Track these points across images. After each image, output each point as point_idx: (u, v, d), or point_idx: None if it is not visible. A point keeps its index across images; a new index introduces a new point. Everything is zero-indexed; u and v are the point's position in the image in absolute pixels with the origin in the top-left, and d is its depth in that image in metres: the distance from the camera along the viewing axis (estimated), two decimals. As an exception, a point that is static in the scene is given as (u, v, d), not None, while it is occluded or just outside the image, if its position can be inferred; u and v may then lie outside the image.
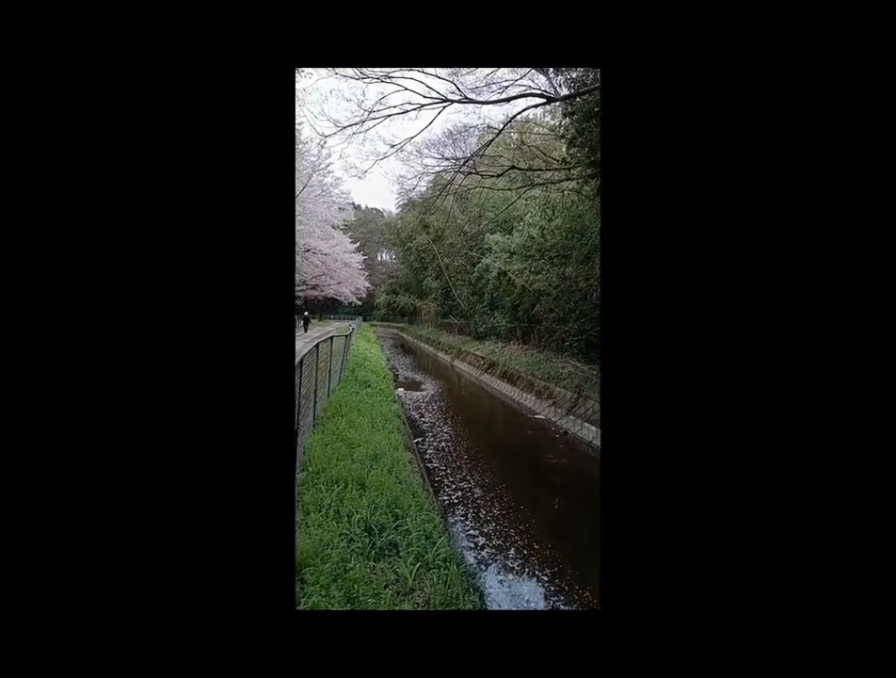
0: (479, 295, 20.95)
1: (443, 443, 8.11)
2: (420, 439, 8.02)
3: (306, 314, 28.73)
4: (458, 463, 7.08)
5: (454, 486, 6.12)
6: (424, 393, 13.05)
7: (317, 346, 4.97)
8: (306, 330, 25.26)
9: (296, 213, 15.82)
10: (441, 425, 9.48)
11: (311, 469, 4.37)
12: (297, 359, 3.84)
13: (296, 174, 15.52)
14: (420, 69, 8.65)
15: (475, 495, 5.86)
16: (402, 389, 12.79)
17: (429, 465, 6.88)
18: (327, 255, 24.06)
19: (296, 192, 15.17)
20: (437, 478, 6.34)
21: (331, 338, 6.72)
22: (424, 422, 9.65)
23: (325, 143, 15.76)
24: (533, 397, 11.68)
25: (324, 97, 45.73)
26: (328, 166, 18.16)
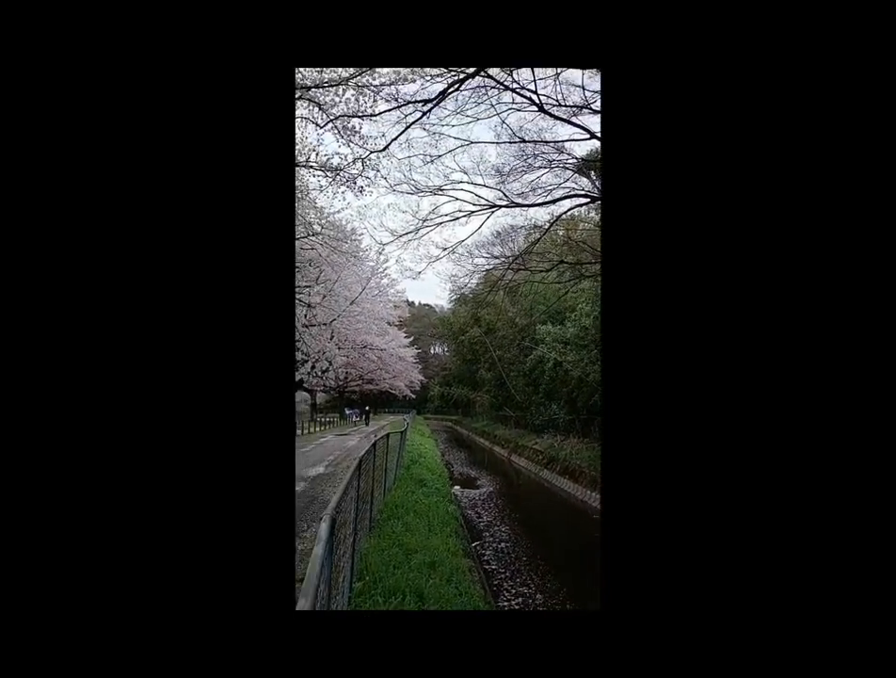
0: (534, 386, 20.63)
1: (502, 544, 7.69)
2: (478, 543, 7.60)
3: (367, 408, 29.34)
4: (518, 566, 6.67)
5: (513, 590, 5.75)
6: (481, 490, 12.56)
7: (374, 444, 4.99)
8: (367, 424, 25.65)
9: (355, 313, 16.72)
10: (499, 524, 9.02)
11: (367, 578, 4.20)
12: (356, 461, 3.85)
13: (356, 278, 16.64)
14: (469, 180, 9.36)
15: (536, 601, 5.45)
16: (458, 487, 12.38)
17: (487, 567, 6.49)
18: (383, 350, 24.87)
19: (356, 294, 16.15)
20: (496, 582, 5.98)
21: (388, 435, 6.73)
22: (482, 521, 9.19)
23: (383, 250, 17.02)
24: (597, 495, 10.94)
25: (382, 211, 50.35)
26: (385, 269, 19.43)
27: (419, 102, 6.43)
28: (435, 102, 6.27)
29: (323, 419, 24.73)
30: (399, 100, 6.53)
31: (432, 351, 56.14)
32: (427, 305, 60.47)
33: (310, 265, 13.06)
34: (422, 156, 8.21)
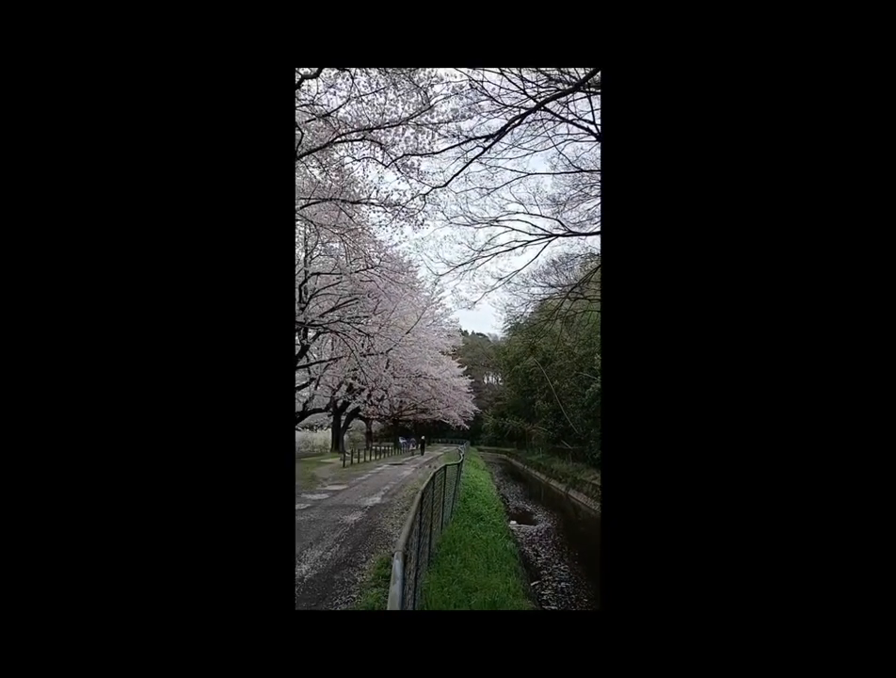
0: (593, 418, 19.94)
1: (563, 584, 7.35)
2: (537, 582, 7.27)
3: (422, 438, 29.46)
4: (579, 607, 6.35)
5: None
6: (538, 526, 12.11)
7: (433, 477, 4.94)
8: (422, 454, 25.72)
9: (410, 342, 16.95)
10: (558, 562, 8.64)
11: (426, 615, 4.08)
12: (419, 493, 3.81)
13: (412, 308, 16.93)
14: (525, 211, 9.41)
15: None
16: (514, 522, 12.01)
17: (547, 607, 6.21)
18: (437, 380, 24.96)
19: (412, 324, 16.41)
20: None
21: (444, 467, 6.66)
22: (540, 559, 8.82)
23: (438, 281, 17.30)
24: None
25: (439, 243, 51.88)
26: (440, 299, 19.68)
27: (480, 138, 6.55)
28: (496, 137, 6.38)
29: (377, 448, 24.93)
30: (461, 136, 6.69)
31: (485, 381, 55.76)
32: (480, 334, 60.49)
33: (368, 296, 13.43)
34: (478, 189, 8.33)
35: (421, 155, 7.15)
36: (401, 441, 34.49)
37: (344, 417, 25.99)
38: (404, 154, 7.14)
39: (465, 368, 31.80)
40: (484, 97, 6.34)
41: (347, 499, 9.08)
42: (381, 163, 7.23)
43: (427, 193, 7.40)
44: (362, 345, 14.34)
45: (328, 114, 6.84)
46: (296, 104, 6.18)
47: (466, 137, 6.62)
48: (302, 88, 6.20)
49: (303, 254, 13.69)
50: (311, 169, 8.58)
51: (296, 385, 19.02)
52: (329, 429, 29.02)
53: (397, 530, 6.31)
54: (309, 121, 6.87)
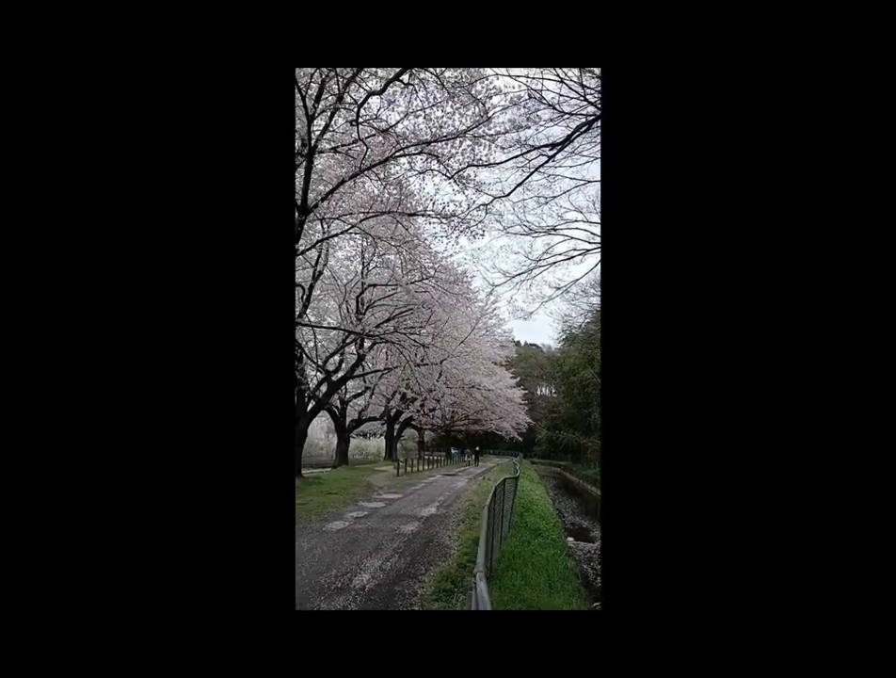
0: (653, 432, 19.00)
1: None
2: (597, 604, 6.97)
3: (477, 449, 29.41)
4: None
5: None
6: (596, 544, 11.66)
7: (495, 492, 4.86)
8: (476, 464, 25.68)
9: (463, 353, 16.94)
10: (623, 587, 8.21)
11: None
12: (485, 511, 3.75)
13: (466, 319, 16.95)
14: (584, 219, 9.21)
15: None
16: (571, 538, 11.64)
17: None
18: (490, 391, 24.80)
19: (466, 334, 16.41)
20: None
21: (504, 481, 6.55)
22: (599, 578, 8.46)
23: (493, 291, 17.26)
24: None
25: (495, 253, 51.89)
26: (494, 310, 19.61)
27: (545, 146, 6.49)
28: (561, 146, 6.29)
29: (429, 457, 25.02)
30: (524, 146, 6.64)
31: (539, 392, 54.83)
32: (534, 345, 59.65)
33: (422, 306, 13.58)
34: (536, 198, 8.24)
35: (482, 166, 7.15)
36: (453, 451, 34.44)
37: (397, 426, 26.31)
38: (468, 165, 7.17)
39: (518, 379, 31.44)
40: (543, 106, 6.28)
41: (403, 508, 9.12)
42: (445, 175, 7.29)
43: (489, 203, 7.39)
44: (416, 355, 14.48)
45: (388, 130, 6.99)
46: (360, 120, 6.34)
47: (530, 146, 6.56)
48: (367, 105, 6.36)
49: (360, 267, 14.06)
50: (370, 182, 8.80)
51: (352, 394, 19.47)
52: (382, 437, 29.44)
53: (454, 543, 6.25)
54: (369, 137, 7.05)
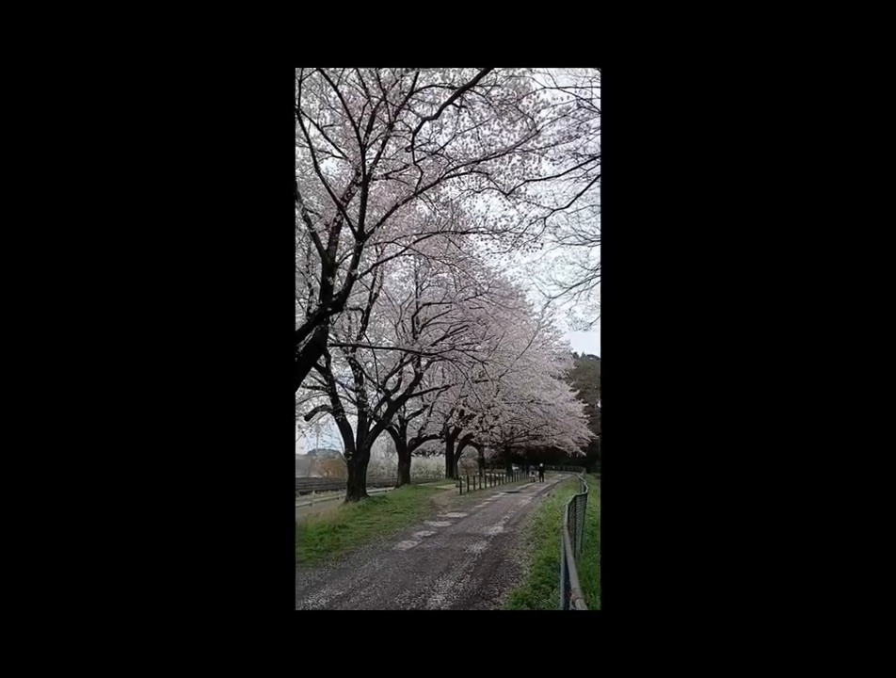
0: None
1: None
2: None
3: (541, 465, 28.99)
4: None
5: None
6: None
7: (569, 511, 4.71)
8: (542, 480, 25.26)
9: (521, 367, 16.74)
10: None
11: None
12: (564, 530, 3.64)
13: (522, 333, 16.78)
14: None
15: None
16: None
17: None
18: (550, 405, 24.30)
19: (523, 348, 16.22)
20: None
21: (575, 498, 6.35)
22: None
23: (548, 303, 17.02)
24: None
25: (550, 265, 51.35)
26: (551, 322, 19.30)
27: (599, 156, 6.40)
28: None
29: (490, 474, 24.72)
30: (583, 156, 6.58)
31: (598, 405, 53.07)
32: (592, 356, 58.03)
33: (477, 322, 13.58)
34: (590, 207, 8.09)
35: (536, 181, 7.14)
36: (514, 468, 33.87)
37: (456, 444, 26.25)
38: (524, 181, 7.16)
39: (578, 392, 30.62)
40: (594, 114, 6.20)
41: (469, 527, 9.03)
42: (502, 191, 7.33)
43: (547, 216, 7.34)
44: (473, 371, 14.45)
45: (438, 151, 7.13)
46: (415, 144, 6.50)
47: (586, 155, 6.48)
48: (421, 131, 6.51)
49: (414, 286, 14.30)
50: (422, 203, 8.97)
51: (411, 412, 19.66)
52: (442, 456, 29.43)
53: (526, 563, 6.10)
54: (420, 160, 7.22)
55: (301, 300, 11.01)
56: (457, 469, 27.06)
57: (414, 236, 8.97)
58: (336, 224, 7.72)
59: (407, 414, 19.29)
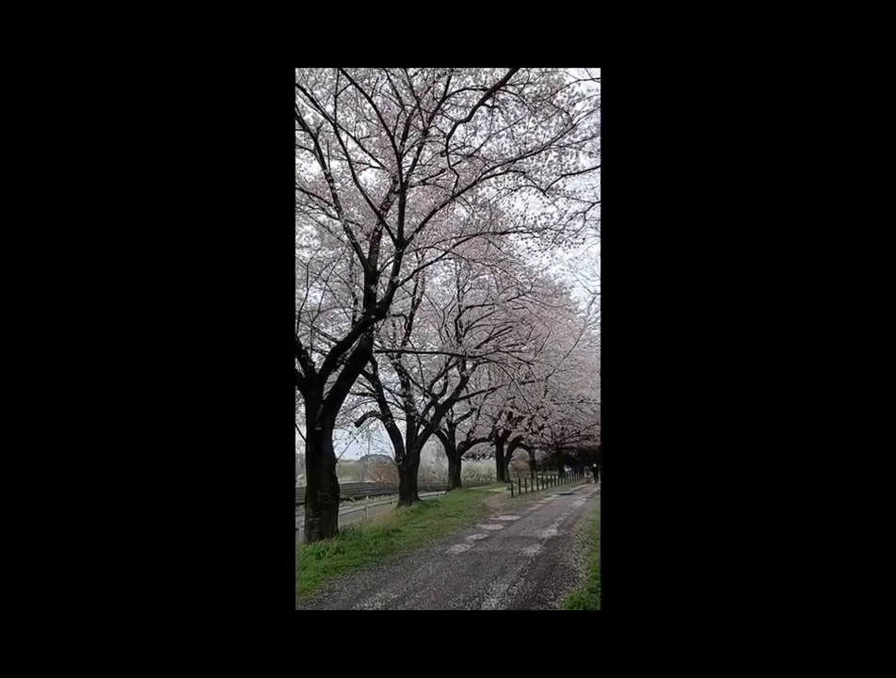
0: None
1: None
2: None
3: (595, 465, 28.40)
4: None
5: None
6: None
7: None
8: (597, 481, 24.72)
9: (569, 366, 16.41)
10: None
11: None
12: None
13: (568, 331, 16.47)
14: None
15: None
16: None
17: None
18: (600, 404, 23.66)
19: (570, 347, 15.92)
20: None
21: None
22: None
23: (595, 299, 16.60)
24: None
25: (594, 260, 50.26)
26: (598, 319, 18.84)
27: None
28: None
29: (542, 476, 24.35)
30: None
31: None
32: (642, 352, 56.07)
33: (521, 323, 13.44)
34: (632, 198, 7.85)
35: (574, 175, 7.01)
36: (566, 469, 33.23)
37: (506, 446, 26.03)
38: (561, 176, 7.06)
39: (629, 389, 29.65)
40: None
41: (522, 530, 8.92)
42: (539, 188, 7.25)
43: (587, 210, 7.19)
44: (520, 372, 14.31)
45: (473, 154, 7.12)
46: (450, 148, 6.52)
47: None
48: (455, 134, 6.54)
49: (456, 290, 14.34)
50: (459, 206, 8.99)
51: (459, 416, 19.68)
52: (492, 459, 29.26)
53: (581, 566, 5.95)
54: (455, 164, 7.24)
55: (346, 310, 11.28)
56: (508, 472, 26.81)
57: (453, 240, 9.00)
58: (376, 233, 7.86)
59: (454, 418, 19.33)
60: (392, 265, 7.55)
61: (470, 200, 8.14)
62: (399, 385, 14.44)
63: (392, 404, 14.59)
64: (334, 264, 10.18)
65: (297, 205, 8.05)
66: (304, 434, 7.71)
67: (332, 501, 7.55)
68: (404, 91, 6.11)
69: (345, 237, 7.49)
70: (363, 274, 7.93)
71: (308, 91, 5.98)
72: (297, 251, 9.93)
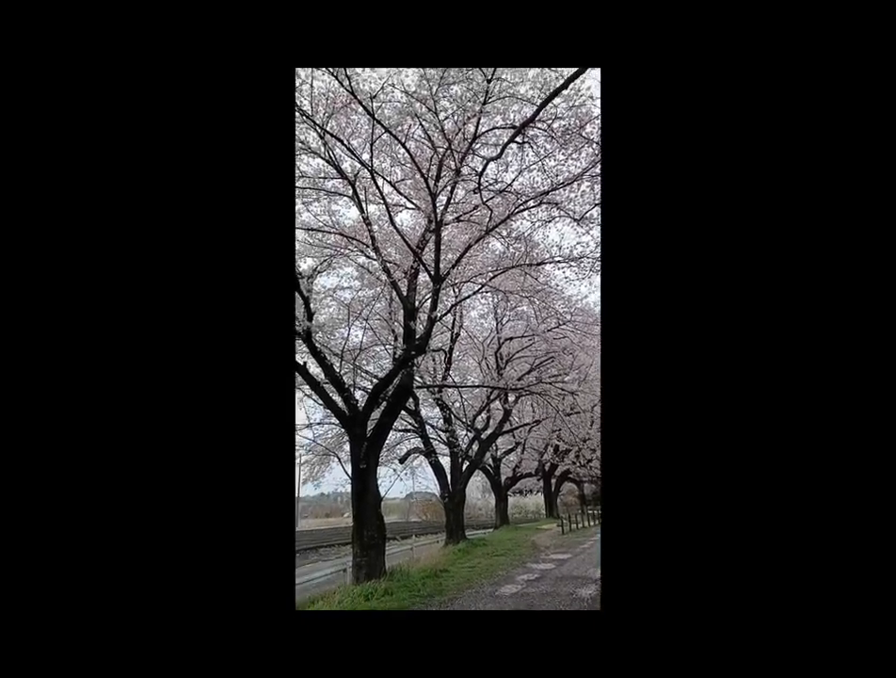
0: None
1: None
2: None
3: None
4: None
5: None
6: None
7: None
8: None
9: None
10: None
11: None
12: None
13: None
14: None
15: None
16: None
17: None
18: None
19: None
20: None
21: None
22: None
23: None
24: None
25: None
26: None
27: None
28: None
29: (594, 512, 23.35)
30: None
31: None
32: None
33: (563, 353, 13.24)
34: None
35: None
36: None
37: (554, 481, 25.24)
38: (596, 205, 7.07)
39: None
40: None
41: (576, 570, 8.53)
42: (573, 218, 7.28)
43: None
44: (564, 403, 13.99)
45: (505, 189, 7.25)
46: (482, 185, 6.67)
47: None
48: (487, 171, 6.69)
49: (494, 322, 14.34)
50: (494, 240, 9.11)
51: (503, 451, 19.31)
52: (540, 494, 28.37)
53: (642, 608, 5.60)
54: (488, 200, 7.38)
55: (387, 346, 11.46)
56: (557, 507, 25.89)
57: (490, 273, 9.08)
58: (414, 271, 8.04)
59: (499, 453, 18.98)
60: (429, 301, 7.67)
61: (504, 233, 8.24)
62: (441, 420, 14.38)
63: (436, 440, 14.51)
64: (374, 302, 10.43)
65: (338, 249, 8.37)
66: (349, 473, 7.75)
67: (379, 540, 7.48)
68: (435, 135, 6.35)
69: (384, 277, 7.69)
70: (402, 311, 8.08)
71: (345, 142, 6.31)
72: (339, 293, 10.25)
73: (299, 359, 7.90)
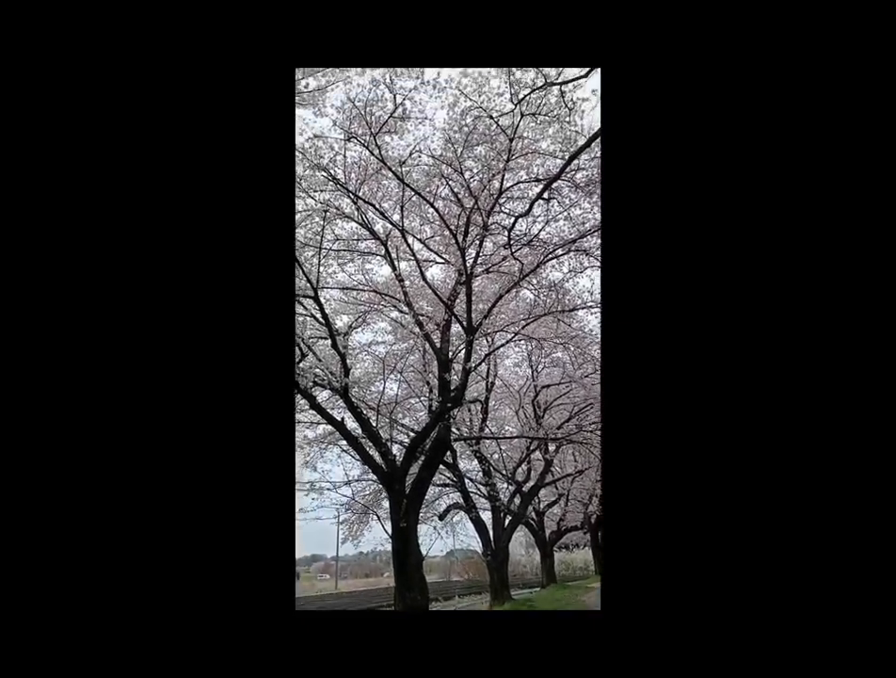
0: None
1: None
2: None
3: None
4: None
5: None
6: None
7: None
8: None
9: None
10: None
11: None
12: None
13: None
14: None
15: None
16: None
17: None
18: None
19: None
20: None
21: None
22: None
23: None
24: None
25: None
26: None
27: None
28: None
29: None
30: None
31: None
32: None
33: (602, 399, 12.90)
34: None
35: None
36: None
37: (601, 534, 23.96)
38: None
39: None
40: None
41: (632, 634, 7.91)
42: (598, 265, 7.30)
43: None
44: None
45: (532, 240, 7.38)
46: (510, 238, 6.81)
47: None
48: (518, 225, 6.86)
49: (530, 370, 14.20)
50: (525, 288, 9.18)
51: (546, 503, 18.58)
52: (588, 548, 26.89)
53: None
54: (517, 250, 7.51)
55: (422, 399, 11.45)
56: (607, 563, 24.38)
57: (522, 321, 9.09)
58: (446, 323, 8.14)
59: (542, 505, 18.26)
60: (463, 351, 7.71)
61: (535, 282, 8.31)
62: (481, 473, 14.05)
63: (475, 494, 14.12)
64: (408, 355, 10.55)
65: (372, 305, 8.60)
66: (389, 531, 7.59)
67: (423, 602, 7.20)
68: (462, 192, 6.59)
69: (417, 329, 7.81)
70: (436, 363, 8.13)
71: (377, 205, 6.62)
72: (373, 347, 10.44)
73: (336, 415, 7.97)
